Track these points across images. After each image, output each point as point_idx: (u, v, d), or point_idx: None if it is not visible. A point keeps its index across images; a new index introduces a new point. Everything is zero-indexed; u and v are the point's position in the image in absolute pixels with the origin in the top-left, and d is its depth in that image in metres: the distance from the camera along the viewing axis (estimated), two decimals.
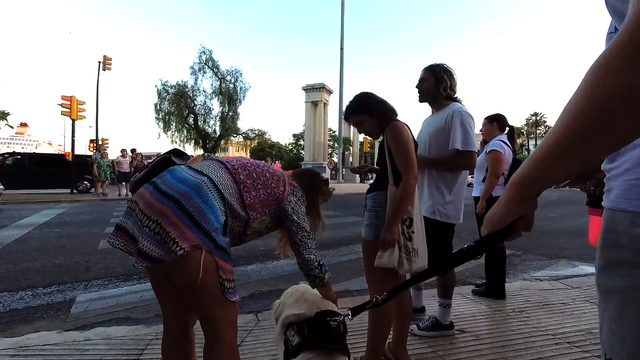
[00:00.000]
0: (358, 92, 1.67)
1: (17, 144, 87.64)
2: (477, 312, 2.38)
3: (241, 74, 28.83)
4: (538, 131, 62.54)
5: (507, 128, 2.88)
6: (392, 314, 1.59)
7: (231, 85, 28.44)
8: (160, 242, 0.95)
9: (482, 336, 2.01)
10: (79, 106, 12.60)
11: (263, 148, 41.95)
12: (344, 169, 24.46)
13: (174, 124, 27.56)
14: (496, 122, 2.85)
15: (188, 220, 0.98)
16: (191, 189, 1.02)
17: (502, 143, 2.70)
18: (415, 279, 0.99)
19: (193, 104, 28.05)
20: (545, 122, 62.37)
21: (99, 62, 16.53)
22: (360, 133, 1.69)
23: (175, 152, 1.30)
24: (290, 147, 50.23)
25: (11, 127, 33.29)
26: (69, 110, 12.32)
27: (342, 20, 20.00)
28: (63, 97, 12.39)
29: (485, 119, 2.93)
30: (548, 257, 4.32)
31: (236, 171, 1.15)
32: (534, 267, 3.90)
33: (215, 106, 28.73)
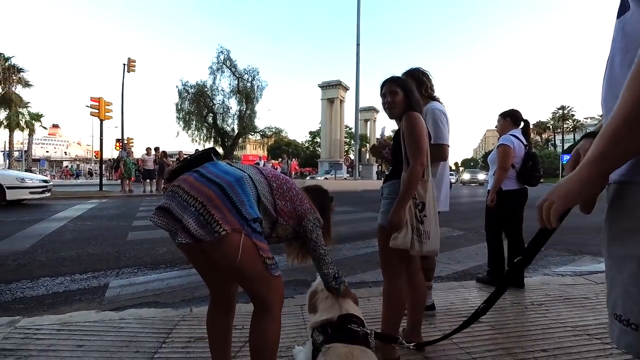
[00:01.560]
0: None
1: (50, 144, 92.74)
2: (495, 305, 2.37)
3: (258, 72, 29.27)
4: (565, 125, 59.64)
5: (522, 122, 2.89)
6: (405, 298, 1.66)
7: (248, 84, 28.90)
8: (203, 222, 1.03)
9: (498, 326, 2.01)
10: (106, 107, 13.23)
11: (280, 146, 42.36)
12: (360, 166, 24.35)
13: (194, 122, 28.34)
14: (509, 117, 2.89)
15: (230, 206, 1.07)
16: (234, 180, 1.12)
17: (511, 137, 2.75)
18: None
19: (212, 103, 28.72)
20: (573, 115, 59.37)
21: (124, 65, 17.24)
22: (383, 105, 1.69)
23: (214, 152, 1.39)
24: (306, 144, 50.44)
25: (45, 128, 35.29)
26: (97, 111, 12.97)
27: (358, 16, 19.84)
28: (92, 99, 13.04)
29: (500, 115, 2.98)
30: (572, 253, 4.19)
31: (270, 178, 1.24)
32: (556, 263, 3.80)
33: (233, 105, 29.33)
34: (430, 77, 2.10)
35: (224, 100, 29.10)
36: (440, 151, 1.95)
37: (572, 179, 0.61)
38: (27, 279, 2.96)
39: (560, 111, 60.10)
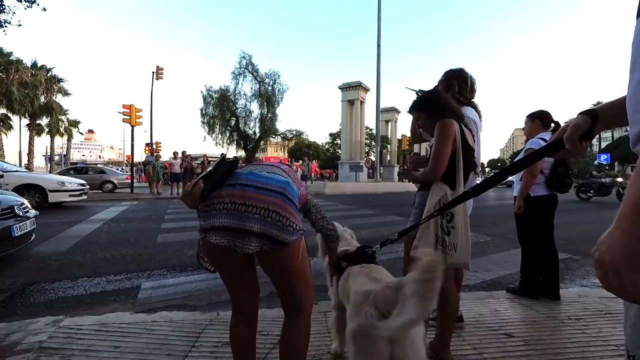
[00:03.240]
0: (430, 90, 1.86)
1: (86, 148, 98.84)
2: (527, 318, 2.27)
3: (279, 76, 29.63)
4: None
5: (552, 125, 2.72)
6: (457, 299, 1.72)
7: (269, 88, 29.34)
8: (282, 227, 1.14)
9: (532, 342, 1.91)
10: (137, 113, 13.92)
11: (300, 148, 42.68)
12: (381, 167, 24.04)
13: (218, 126, 29.14)
14: (538, 119, 2.72)
15: (295, 209, 1.21)
16: (285, 185, 1.22)
17: (540, 141, 2.58)
18: None
19: (235, 107, 29.42)
20: None
21: (153, 73, 18.06)
22: (419, 128, 1.79)
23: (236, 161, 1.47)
24: (326, 146, 50.48)
25: (81, 133, 37.70)
26: (128, 117, 13.67)
27: (379, 16, 19.65)
28: (124, 106, 13.76)
29: (527, 116, 2.81)
30: None
31: (285, 172, 1.34)
32: (594, 273, 3.55)
33: (255, 108, 29.86)
34: (465, 80, 2.00)
35: (246, 104, 29.73)
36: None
37: (620, 235, 0.47)
38: (68, 279, 3.16)
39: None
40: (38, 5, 7.74)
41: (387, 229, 5.89)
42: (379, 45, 19.60)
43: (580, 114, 0.82)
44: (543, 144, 2.57)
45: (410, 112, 1.80)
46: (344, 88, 25.16)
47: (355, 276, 1.33)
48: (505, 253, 4.30)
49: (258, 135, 30.12)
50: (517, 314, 2.32)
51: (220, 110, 28.99)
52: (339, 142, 38.77)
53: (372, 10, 20.72)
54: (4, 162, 9.59)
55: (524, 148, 2.73)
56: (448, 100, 1.69)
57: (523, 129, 2.91)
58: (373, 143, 31.63)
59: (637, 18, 0.54)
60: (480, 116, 2.07)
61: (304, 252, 1.23)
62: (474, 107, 2.05)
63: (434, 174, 1.49)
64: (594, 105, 0.83)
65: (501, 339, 1.94)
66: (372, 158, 26.80)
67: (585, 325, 2.12)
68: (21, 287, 2.96)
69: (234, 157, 1.58)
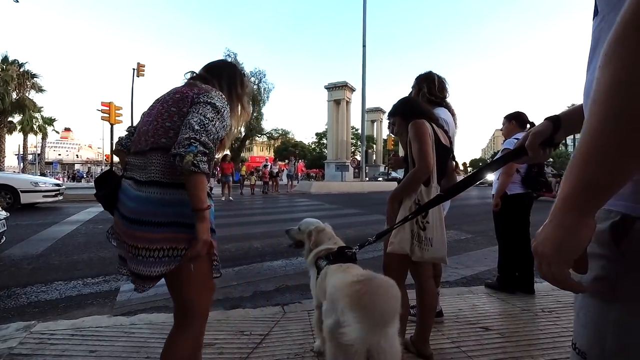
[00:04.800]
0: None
1: (62, 147, 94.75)
2: (503, 311, 2.35)
3: (265, 75, 29.39)
4: None
5: (528, 125, 2.85)
6: (407, 303, 1.72)
7: (255, 87, 29.07)
8: (159, 261, 1.05)
9: (508, 334, 1.99)
10: (116, 111, 13.48)
11: (286, 147, 42.49)
12: (367, 167, 24.29)
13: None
14: (515, 120, 2.86)
15: (178, 227, 1.06)
16: (153, 205, 1.05)
17: (516, 141, 2.69)
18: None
19: None
20: None
21: (134, 69, 17.53)
22: (396, 134, 1.85)
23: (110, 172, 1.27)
24: (313, 145, 50.50)
25: (57, 132, 36.17)
26: (108, 115, 13.22)
27: (364, 16, 19.82)
28: (102, 104, 13.31)
29: (505, 117, 2.96)
30: None
31: (155, 142, 1.10)
32: None
33: None
34: (432, 81, 2.11)
35: None
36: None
37: (552, 228, 0.49)
38: (42, 283, 3.03)
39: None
40: None
41: (372, 228, 5.96)
42: (364, 46, 19.77)
43: (544, 120, 0.84)
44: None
45: (389, 118, 1.90)
46: (330, 88, 25.27)
47: (332, 274, 1.35)
48: (485, 250, 4.44)
49: (243, 134, 29.76)
50: (494, 308, 2.40)
51: None
52: (325, 141, 38.86)
53: (358, 10, 20.85)
54: None
55: (501, 148, 2.84)
56: (418, 103, 1.80)
57: (501, 129, 3.03)
58: (359, 143, 31.90)
59: (593, 19, 0.57)
60: (454, 116, 2.15)
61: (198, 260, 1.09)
62: (447, 107, 2.13)
63: (426, 169, 1.52)
64: (569, 107, 0.85)
65: (479, 332, 2.01)
66: (358, 158, 27.02)
67: (557, 317, 2.22)
68: None
69: (108, 169, 1.27)
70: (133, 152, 1.18)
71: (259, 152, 52.88)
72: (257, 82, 29.01)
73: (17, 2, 7.64)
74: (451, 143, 1.84)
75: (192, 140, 1.00)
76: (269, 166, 16.42)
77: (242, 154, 31.95)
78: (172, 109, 1.12)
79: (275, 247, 4.43)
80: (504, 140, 2.90)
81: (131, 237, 1.07)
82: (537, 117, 2.95)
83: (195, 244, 1.03)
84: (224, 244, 4.66)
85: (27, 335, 1.86)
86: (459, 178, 1.90)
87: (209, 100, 1.10)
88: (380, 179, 24.40)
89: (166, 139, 1.09)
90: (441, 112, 2.00)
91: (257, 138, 33.99)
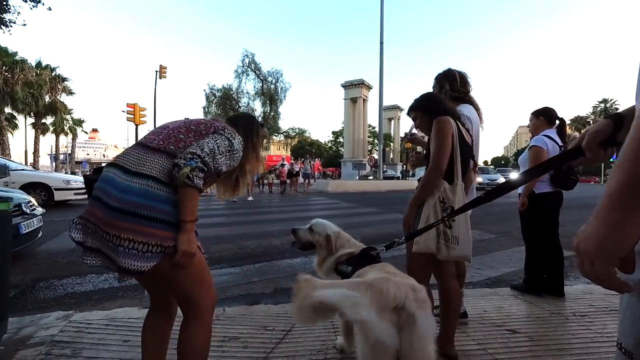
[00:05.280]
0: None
1: (90, 147, 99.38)
2: (531, 314, 2.28)
3: (282, 74, 29.71)
4: None
5: (557, 121, 2.72)
6: (460, 293, 1.72)
7: (272, 86, 29.41)
8: (138, 254, 1.01)
9: (537, 338, 1.92)
10: (141, 112, 14.00)
11: (303, 146, 42.72)
12: (384, 166, 24.02)
13: None
14: (543, 116, 2.74)
15: (157, 223, 1.03)
16: (140, 197, 1.03)
17: (545, 138, 2.59)
18: None
19: (237, 106, 29.51)
20: (616, 109, 54.77)
21: (156, 71, 18.13)
22: (417, 128, 1.83)
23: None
24: (329, 144, 50.50)
25: (85, 132, 38.03)
26: (132, 116, 13.75)
27: (381, 14, 19.58)
28: (128, 105, 13.86)
29: (532, 113, 2.83)
30: None
31: (163, 146, 1.14)
32: None
33: (258, 107, 30.00)
34: (454, 77, 2.07)
35: (248, 103, 29.86)
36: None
37: (596, 225, 0.48)
38: (77, 275, 3.21)
39: (602, 104, 55.73)
40: (43, 4, 7.79)
41: (390, 227, 5.90)
42: (381, 43, 19.54)
43: (604, 118, 0.78)
44: (548, 141, 2.57)
45: (409, 114, 1.86)
46: (347, 86, 25.15)
47: (367, 273, 1.30)
48: (509, 250, 4.30)
49: None
50: (521, 311, 2.32)
51: (223, 109, 29.11)
52: (341, 140, 38.77)
53: (375, 6, 20.60)
54: (9, 160, 9.69)
55: (528, 145, 2.73)
56: (441, 100, 1.76)
57: (527, 126, 2.92)
58: (376, 141, 31.60)
59: None
60: (478, 110, 2.09)
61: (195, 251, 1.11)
62: (471, 102, 2.08)
63: (438, 171, 1.51)
64: (599, 102, 0.79)
65: (505, 334, 1.95)
66: (375, 156, 26.80)
67: (590, 322, 2.12)
68: (31, 283, 3.01)
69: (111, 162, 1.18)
70: (136, 144, 1.20)
71: (276, 151, 53.47)
72: (274, 81, 29.36)
73: (50, 9, 8.05)
74: (472, 141, 1.81)
75: (195, 156, 1.06)
76: (286, 165, 16.55)
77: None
78: (192, 127, 1.20)
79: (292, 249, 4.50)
80: (531, 137, 2.79)
81: (116, 227, 1.03)
82: (566, 114, 2.80)
83: (177, 254, 1.06)
84: (244, 242, 4.76)
85: (66, 324, 1.98)
86: (479, 178, 1.86)
87: (229, 137, 1.19)
88: (370, 177, 23.26)
89: (174, 147, 1.13)
90: (464, 109, 1.96)
91: (274, 137, 34.40)
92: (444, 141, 1.52)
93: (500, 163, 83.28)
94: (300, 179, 16.89)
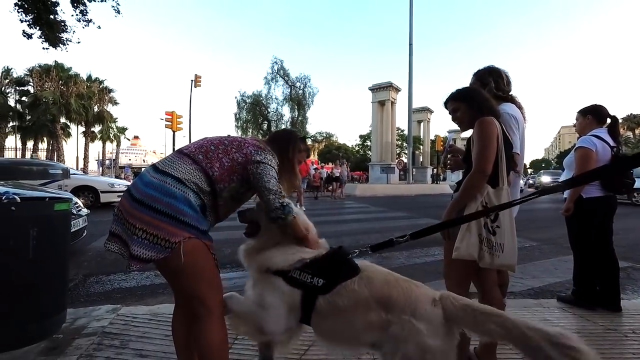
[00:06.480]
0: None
1: (132, 153, 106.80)
2: (583, 329, 2.10)
3: (309, 79, 30.19)
4: None
5: (608, 120, 2.48)
6: (503, 304, 1.62)
7: (300, 92, 29.93)
8: (149, 245, 1.09)
9: None
10: (178, 119, 14.82)
11: (330, 150, 42.81)
12: (414, 169, 23.42)
13: (251, 130, 30.24)
14: (591, 115, 2.50)
15: (167, 218, 1.10)
16: (157, 191, 1.12)
17: (593, 138, 2.36)
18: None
19: (267, 112, 30.37)
20: None
21: (192, 80, 19.15)
22: (453, 121, 1.70)
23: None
24: (356, 148, 50.20)
25: (128, 139, 41.12)
26: (170, 123, 14.60)
27: (410, 15, 19.26)
28: (166, 113, 14.74)
29: (579, 112, 2.60)
30: None
31: (194, 153, 1.24)
32: None
33: (286, 112, 30.66)
34: (499, 75, 1.95)
35: (277, 108, 30.63)
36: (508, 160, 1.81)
37: None
38: (122, 272, 3.44)
39: None
40: (94, 23, 8.53)
41: None
42: (410, 45, 19.19)
43: None
44: (597, 142, 2.36)
45: (446, 104, 1.72)
46: (374, 89, 24.90)
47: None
48: (554, 259, 4.00)
49: None
50: (571, 325, 2.15)
51: (253, 115, 30.07)
52: (368, 143, 38.38)
53: (404, 7, 20.30)
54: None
55: (574, 146, 2.53)
56: (489, 97, 1.64)
57: (573, 125, 2.71)
58: (404, 144, 30.95)
59: None
60: (522, 109, 1.97)
61: (200, 252, 1.16)
62: (513, 101, 1.96)
63: (482, 174, 1.43)
64: None
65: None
66: (404, 159, 26.22)
67: None
68: (83, 278, 3.28)
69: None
70: (176, 150, 1.34)
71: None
72: (302, 87, 29.85)
73: (100, 28, 8.80)
74: (520, 141, 1.71)
75: (281, 202, 1.20)
76: (321, 171, 16.34)
77: None
78: (225, 142, 1.29)
79: None
80: (578, 138, 2.59)
81: (134, 216, 1.13)
82: (618, 112, 2.56)
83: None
84: None
85: (115, 317, 2.12)
86: (522, 181, 1.75)
87: (268, 163, 1.26)
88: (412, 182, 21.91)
89: (202, 155, 1.23)
90: (508, 108, 1.85)
91: None
92: (489, 143, 1.44)
93: (540, 166, 78.03)
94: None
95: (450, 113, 1.70)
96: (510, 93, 1.99)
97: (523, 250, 4.48)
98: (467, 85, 2.05)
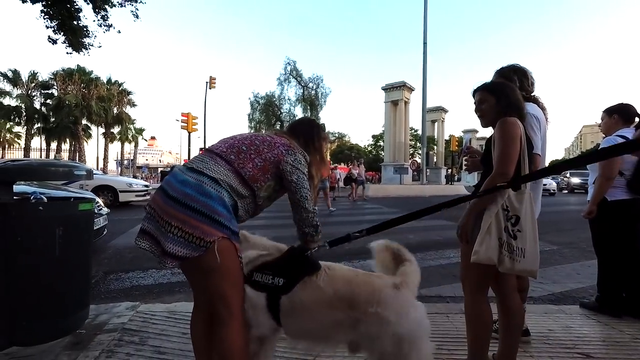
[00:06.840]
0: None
1: (149, 153, 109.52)
2: (608, 337, 2.01)
3: (322, 80, 30.19)
4: None
5: (637, 120, 2.37)
6: (490, 317, 1.54)
7: (313, 92, 29.98)
8: (184, 243, 1.09)
9: None
10: (193, 120, 15.13)
11: (342, 150, 42.73)
12: (428, 170, 23.07)
13: (264, 131, 30.50)
14: (617, 114, 2.39)
15: (203, 218, 1.10)
16: (194, 190, 1.12)
17: (619, 139, 2.25)
18: None
19: (280, 112, 30.57)
20: None
21: (206, 82, 19.49)
22: (475, 112, 1.63)
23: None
24: (369, 148, 49.89)
25: (145, 140, 42.35)
26: (186, 124, 14.92)
27: (425, 13, 18.99)
28: (182, 114, 15.07)
29: (604, 111, 2.49)
30: None
31: (225, 153, 1.23)
32: None
33: (299, 113, 30.74)
34: (524, 74, 1.88)
35: (290, 109, 30.77)
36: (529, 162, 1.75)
37: None
38: (140, 270, 3.54)
39: None
40: (114, 28, 8.82)
41: (436, 234, 5.64)
42: (425, 44, 18.94)
43: None
44: (621, 142, 2.26)
45: (475, 93, 1.64)
46: (388, 89, 24.70)
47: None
48: (576, 264, 3.86)
49: None
50: (595, 333, 2.07)
51: (266, 116, 30.33)
52: (381, 144, 38.10)
53: (419, 6, 20.05)
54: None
55: (599, 147, 2.43)
56: (521, 99, 1.57)
57: (599, 125, 2.61)
58: (418, 144, 30.55)
59: None
60: (544, 110, 1.90)
61: (231, 254, 1.15)
62: (536, 101, 1.89)
63: (503, 177, 1.39)
64: None
65: (577, 358, 1.75)
66: (418, 160, 25.87)
67: None
68: (103, 275, 3.39)
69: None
70: (206, 149, 1.34)
71: None
72: (314, 87, 29.90)
73: (120, 32, 9.08)
74: (542, 142, 1.65)
75: (314, 221, 1.28)
76: (336, 172, 16.09)
77: None
78: (256, 142, 1.28)
79: (336, 249, 4.48)
80: (604, 138, 2.48)
81: (169, 214, 1.12)
82: None
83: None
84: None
85: (134, 314, 2.19)
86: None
87: (299, 167, 1.27)
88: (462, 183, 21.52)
89: (235, 156, 1.23)
90: (530, 108, 1.78)
91: None
92: (512, 143, 1.39)
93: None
94: (341, 184, 16.61)
95: (475, 103, 1.62)
96: (532, 94, 1.93)
97: (543, 254, 4.32)
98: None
